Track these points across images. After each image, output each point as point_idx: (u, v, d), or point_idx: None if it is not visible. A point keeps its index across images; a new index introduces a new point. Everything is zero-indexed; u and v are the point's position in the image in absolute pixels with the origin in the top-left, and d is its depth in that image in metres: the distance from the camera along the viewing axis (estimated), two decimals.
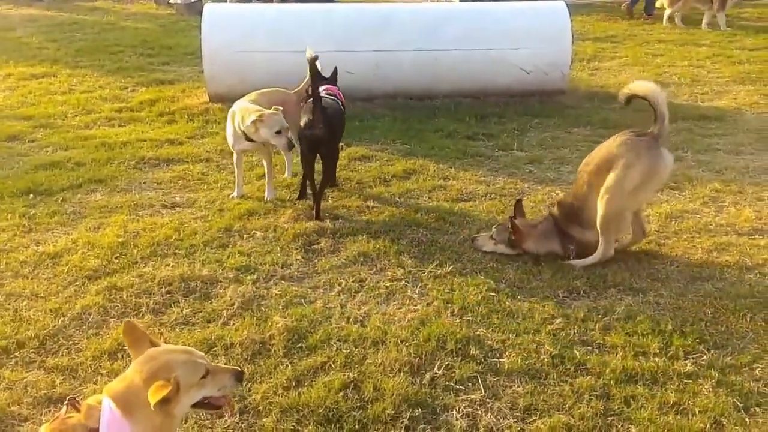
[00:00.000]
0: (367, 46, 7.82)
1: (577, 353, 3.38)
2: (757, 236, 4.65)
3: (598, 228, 4.21)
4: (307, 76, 5.38)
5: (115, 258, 4.43)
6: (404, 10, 8.51)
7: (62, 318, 3.79)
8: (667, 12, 13.17)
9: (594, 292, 3.96)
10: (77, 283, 4.16)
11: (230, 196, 5.34)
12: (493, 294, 3.93)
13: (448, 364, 3.33)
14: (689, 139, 6.65)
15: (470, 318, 3.71)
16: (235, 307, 3.88)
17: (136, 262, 4.39)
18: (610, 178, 4.10)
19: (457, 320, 3.69)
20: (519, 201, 4.66)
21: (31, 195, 5.44)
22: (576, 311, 3.75)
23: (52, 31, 12.97)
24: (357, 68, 7.51)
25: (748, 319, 3.68)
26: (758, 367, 3.31)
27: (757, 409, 3.06)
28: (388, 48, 7.86)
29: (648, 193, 4.28)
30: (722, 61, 9.88)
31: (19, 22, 13.92)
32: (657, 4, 13.59)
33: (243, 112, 5.15)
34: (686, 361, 3.32)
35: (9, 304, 3.93)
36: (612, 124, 7.07)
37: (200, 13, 15.34)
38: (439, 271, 4.21)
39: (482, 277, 4.12)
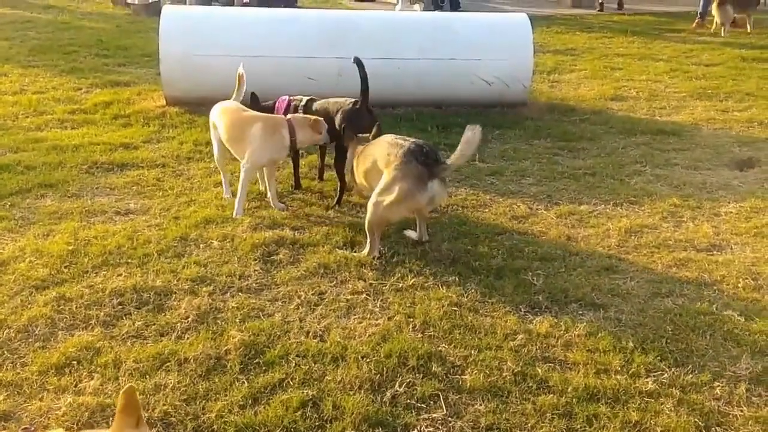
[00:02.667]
0: (329, 53, 7.72)
1: (540, 370, 3.34)
2: (715, 252, 4.68)
3: (366, 229, 4.47)
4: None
5: (65, 267, 4.27)
6: (367, 17, 8.46)
7: (7, 330, 3.63)
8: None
9: (556, 307, 3.93)
10: (24, 293, 4.00)
11: (235, 215, 5.10)
12: (456, 309, 3.87)
13: (410, 381, 3.26)
14: (648, 153, 6.70)
15: (432, 333, 3.64)
16: (189, 320, 3.76)
17: (87, 272, 4.24)
18: (379, 185, 4.38)
19: (419, 335, 3.62)
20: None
21: None
22: (538, 327, 3.71)
23: (4, 29, 12.64)
24: (319, 75, 7.44)
25: (707, 337, 3.68)
26: (718, 386, 3.30)
27: (718, 429, 3.05)
28: (350, 55, 7.77)
29: (403, 212, 4.47)
30: (679, 76, 10.02)
31: None
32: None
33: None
34: (648, 379, 3.30)
35: None
36: (571, 137, 7.14)
37: (158, 14, 15.15)
38: (400, 284, 4.14)
39: (444, 291, 4.06)
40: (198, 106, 7.20)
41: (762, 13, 16.29)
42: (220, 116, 5.25)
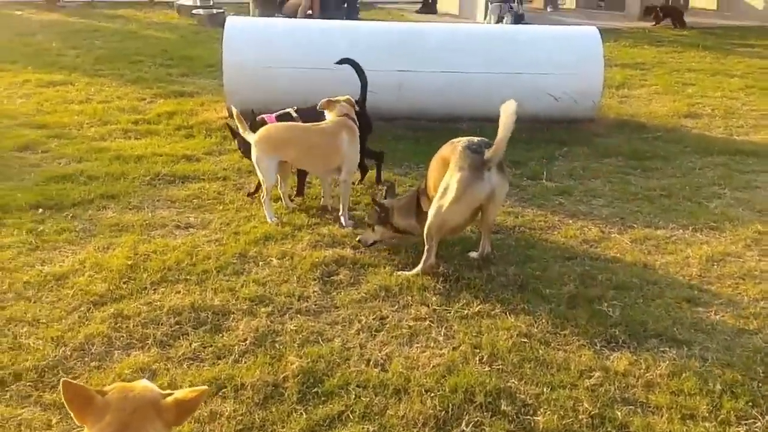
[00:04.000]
0: (390, 65, 7.58)
1: (619, 414, 3.10)
2: None
3: (424, 236, 4.32)
4: None
5: (123, 283, 4.19)
6: (431, 30, 8.29)
7: (63, 348, 3.55)
8: None
9: (634, 342, 3.67)
10: (82, 308, 3.92)
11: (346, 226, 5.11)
12: (525, 340, 3.65)
13: (477, 420, 3.05)
14: (726, 174, 6.36)
15: (500, 367, 3.43)
16: (247, 342, 3.62)
17: (145, 288, 4.14)
18: (440, 186, 4.26)
19: (486, 368, 3.41)
20: (392, 184, 5.00)
21: (41, 209, 5.22)
22: (616, 364, 3.46)
23: (73, 37, 12.87)
24: (379, 88, 7.28)
25: None
26: None
27: None
28: (412, 68, 7.64)
29: (465, 210, 4.27)
30: (756, 94, 9.59)
31: (39, 28, 13.83)
32: None
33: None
34: (739, 428, 3.03)
35: (8, 330, 3.69)
36: (644, 156, 6.84)
37: (222, 25, 15.28)
38: (466, 311, 3.93)
39: (512, 320, 3.84)
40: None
41: None
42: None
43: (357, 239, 4.72)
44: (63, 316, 3.84)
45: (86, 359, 3.49)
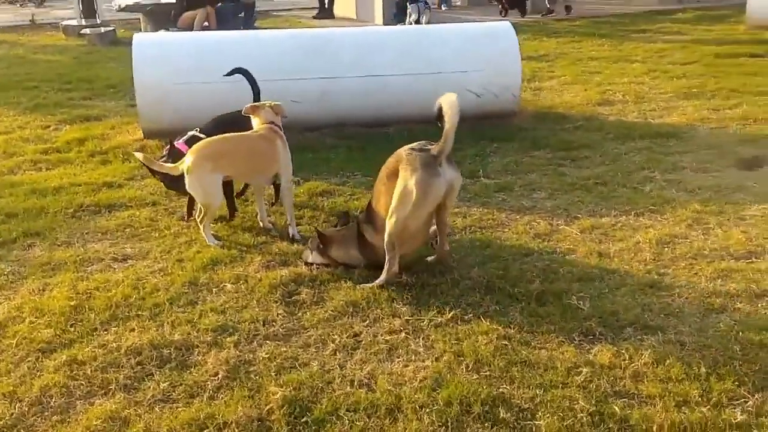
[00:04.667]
0: (310, 73, 7.44)
1: (616, 408, 3.07)
2: (754, 259, 4.47)
3: (385, 246, 4.20)
4: None
5: (70, 326, 3.89)
6: (347, 34, 8.18)
7: (19, 404, 3.26)
8: None
9: (610, 333, 3.67)
10: (29, 358, 3.61)
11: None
12: (506, 342, 3.59)
13: (479, 431, 2.97)
14: (652, 158, 6.51)
15: (488, 373, 3.35)
16: (219, 377, 3.42)
17: (95, 329, 3.87)
18: (394, 196, 4.13)
19: (475, 376, 3.33)
20: (345, 213, 4.85)
21: None
22: (599, 357, 3.45)
23: None
24: (301, 97, 7.14)
25: None
26: None
27: None
28: (332, 75, 7.51)
29: (426, 210, 4.18)
30: (660, 77, 9.92)
31: None
32: None
33: None
34: (735, 410, 3.05)
35: None
36: (570, 146, 6.95)
37: (113, 43, 14.72)
38: (439, 319, 3.84)
39: (488, 323, 3.77)
40: (176, 136, 6.82)
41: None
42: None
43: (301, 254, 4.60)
44: (10, 368, 3.53)
45: (46, 414, 3.21)
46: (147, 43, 7.46)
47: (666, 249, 4.64)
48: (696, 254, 4.55)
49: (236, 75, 6.06)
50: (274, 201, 5.60)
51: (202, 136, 5.39)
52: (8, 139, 7.72)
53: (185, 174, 4.79)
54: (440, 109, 4.15)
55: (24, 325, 3.91)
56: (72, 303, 4.11)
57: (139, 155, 5.08)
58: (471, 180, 6.06)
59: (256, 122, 5.13)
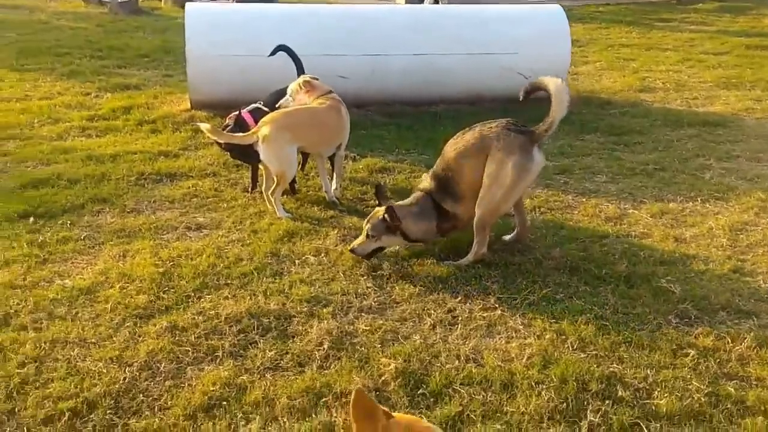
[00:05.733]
0: (358, 49, 7.41)
1: (731, 389, 3.10)
2: None
3: (475, 227, 4.21)
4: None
5: (163, 292, 3.90)
6: (398, 12, 8.14)
7: (129, 368, 3.27)
8: None
9: (705, 316, 3.70)
10: (128, 324, 3.62)
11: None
12: (604, 322, 3.61)
13: (599, 409, 2.99)
14: (704, 146, 6.53)
15: (594, 352, 3.38)
16: (325, 347, 3.43)
17: (189, 297, 3.87)
18: (486, 177, 4.11)
19: (582, 355, 3.36)
20: (379, 185, 4.57)
21: (32, 218, 4.80)
22: (701, 340, 3.47)
23: None
24: (349, 73, 7.12)
25: None
26: None
27: None
28: (381, 52, 7.48)
29: (519, 193, 4.28)
30: (696, 66, 9.93)
31: None
32: None
33: None
34: None
35: (58, 354, 3.36)
36: (621, 131, 6.97)
37: (134, 12, 14.58)
38: (531, 298, 3.86)
39: (581, 303, 3.80)
40: (226, 109, 6.78)
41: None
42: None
43: (349, 249, 4.29)
44: (111, 333, 3.54)
45: (158, 378, 3.22)
46: (199, 13, 7.39)
47: (741, 236, 4.66)
48: None
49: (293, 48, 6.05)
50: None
51: (265, 109, 5.39)
52: (50, 104, 7.66)
53: (261, 143, 4.78)
54: (539, 88, 4.13)
55: (114, 290, 3.91)
56: (160, 270, 4.11)
57: (204, 126, 5.04)
58: None
59: (307, 98, 5.15)
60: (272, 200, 4.93)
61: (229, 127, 5.23)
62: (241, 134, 5.00)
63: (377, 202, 4.44)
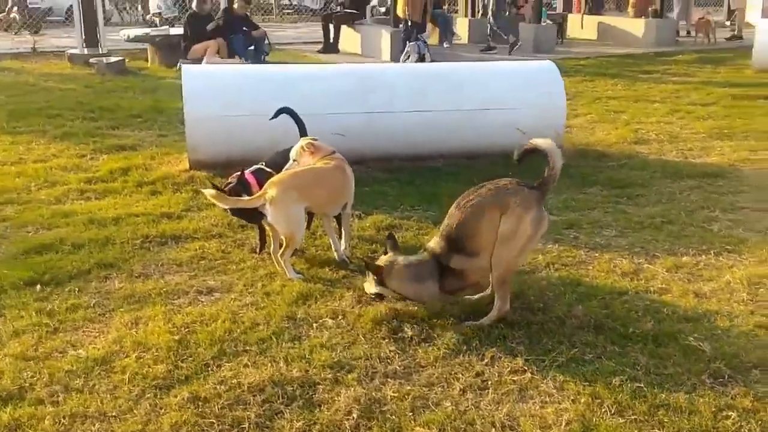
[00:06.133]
0: (356, 107, 7.43)
1: None
2: None
3: (494, 285, 4.18)
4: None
5: (181, 361, 3.77)
6: (393, 70, 8.21)
7: None
8: None
9: (739, 375, 3.63)
10: (148, 395, 3.49)
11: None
12: (638, 384, 3.53)
13: None
14: (707, 197, 6.55)
15: (634, 417, 3.29)
16: (354, 416, 3.32)
17: (208, 365, 3.75)
18: (503, 232, 4.06)
19: (621, 420, 3.27)
20: (391, 234, 4.63)
21: (38, 286, 4.68)
22: (739, 401, 3.40)
23: None
24: (348, 131, 7.11)
25: None
26: None
27: None
28: (378, 110, 7.50)
29: (534, 247, 4.37)
30: (686, 117, 10.06)
31: None
32: None
33: None
34: None
35: (78, 429, 3.22)
36: (622, 183, 7.01)
37: (121, 72, 14.61)
38: (560, 359, 3.78)
39: (611, 364, 3.72)
40: (225, 169, 6.72)
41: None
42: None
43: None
44: (131, 406, 3.41)
45: None
46: (196, 74, 7.40)
47: (760, 290, 4.63)
48: None
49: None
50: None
51: (268, 170, 5.34)
52: (46, 167, 7.57)
53: (268, 205, 4.71)
54: (532, 151, 4.19)
55: (131, 359, 3.78)
56: (175, 337, 3.99)
57: (208, 192, 4.88)
58: None
59: (311, 159, 5.10)
60: (281, 262, 4.85)
61: (232, 185, 5.15)
62: (247, 198, 4.92)
63: (385, 250, 4.43)
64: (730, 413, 3.30)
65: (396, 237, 4.69)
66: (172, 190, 6.77)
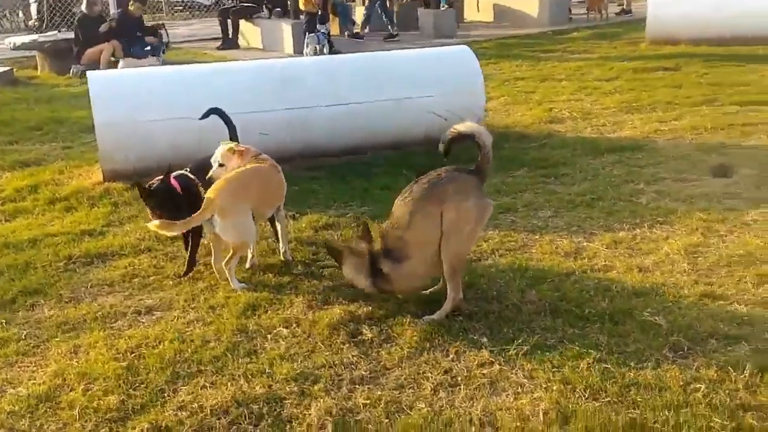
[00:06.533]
0: (275, 104, 7.24)
1: (752, 421, 3.09)
2: None
3: (446, 276, 4.10)
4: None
5: (133, 389, 3.55)
6: (308, 64, 8.03)
7: None
8: None
9: (698, 347, 3.70)
10: (103, 430, 3.27)
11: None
12: (605, 365, 3.54)
13: None
14: (630, 171, 6.70)
15: (608, 399, 3.30)
16: (329, 429, 3.20)
17: (163, 390, 3.54)
18: (446, 224, 3.99)
19: (596, 404, 3.27)
20: (365, 223, 4.53)
21: None
22: (705, 372, 3.45)
23: None
24: (268, 129, 6.93)
25: None
26: None
27: None
28: (299, 105, 7.33)
29: (480, 232, 4.38)
30: (593, 93, 10.28)
31: None
32: None
33: None
34: None
35: None
36: (546, 163, 7.09)
37: (11, 83, 13.81)
38: (524, 347, 3.75)
39: (576, 347, 3.72)
40: (142, 178, 6.43)
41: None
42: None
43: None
44: None
45: None
46: (103, 80, 7.04)
47: (698, 258, 4.75)
48: (728, 262, 4.68)
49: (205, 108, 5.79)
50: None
51: (191, 176, 5.11)
52: None
53: (217, 216, 4.50)
54: (458, 138, 4.15)
55: (77, 393, 3.54)
56: (122, 364, 3.76)
57: (152, 225, 4.53)
58: None
59: (237, 162, 4.91)
60: (225, 271, 4.65)
61: (155, 186, 4.86)
62: (194, 215, 4.60)
63: (359, 235, 4.39)
64: (698, 385, 3.35)
65: (369, 226, 4.47)
66: (88, 205, 6.42)
